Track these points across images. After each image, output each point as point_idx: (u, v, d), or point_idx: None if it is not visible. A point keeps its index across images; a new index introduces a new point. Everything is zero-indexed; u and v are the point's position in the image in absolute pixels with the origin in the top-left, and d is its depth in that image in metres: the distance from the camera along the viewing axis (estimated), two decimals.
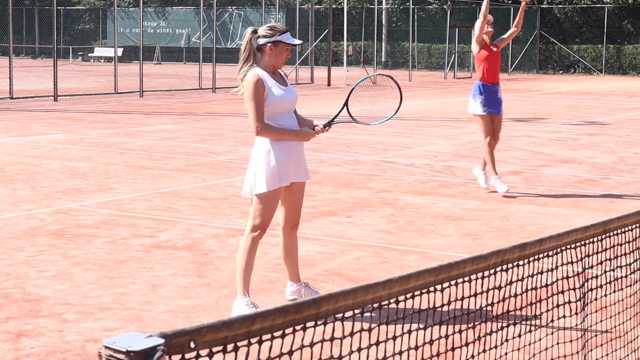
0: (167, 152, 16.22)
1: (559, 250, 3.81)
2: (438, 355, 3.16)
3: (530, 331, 3.80)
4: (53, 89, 28.16)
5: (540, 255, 3.66)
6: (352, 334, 2.74)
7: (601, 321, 4.62)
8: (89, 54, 62.83)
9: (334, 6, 43.70)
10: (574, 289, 4.10)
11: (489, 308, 3.49)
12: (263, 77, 6.67)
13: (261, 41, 6.70)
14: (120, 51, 46.28)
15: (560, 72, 52.17)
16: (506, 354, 3.78)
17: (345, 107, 7.49)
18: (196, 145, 17.23)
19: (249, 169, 6.85)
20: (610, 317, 4.75)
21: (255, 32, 6.74)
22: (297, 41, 6.90)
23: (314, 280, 7.79)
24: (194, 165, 14.60)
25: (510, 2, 51.98)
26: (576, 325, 4.17)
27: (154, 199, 11.67)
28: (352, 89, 7.62)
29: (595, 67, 51.19)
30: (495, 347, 3.54)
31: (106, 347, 2.01)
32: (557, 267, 3.90)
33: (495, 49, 12.63)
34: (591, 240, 4.06)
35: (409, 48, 46.95)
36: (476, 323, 3.47)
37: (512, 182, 13.43)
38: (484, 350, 3.52)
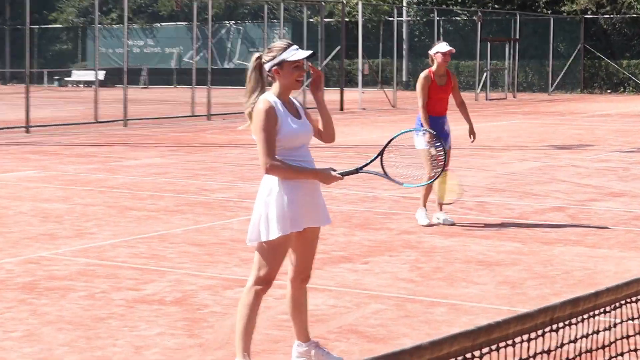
0: (154, 190, 16.09)
1: (617, 305, 3.65)
2: None
3: None
4: (25, 119, 28.05)
5: (596, 312, 3.50)
6: None
7: None
8: (66, 78, 62.99)
9: (346, 19, 43.71)
10: (636, 350, 3.93)
11: None
12: (275, 105, 6.52)
13: (266, 67, 6.57)
14: (101, 74, 46.53)
15: (608, 91, 52.06)
16: None
17: (379, 157, 7.34)
18: (188, 182, 17.09)
19: (255, 212, 6.65)
20: None
21: (259, 58, 6.64)
22: (304, 53, 6.59)
23: (325, 340, 7.59)
24: (185, 205, 14.44)
25: (549, 12, 51.99)
26: None
27: (139, 245, 11.50)
28: (392, 138, 7.40)
29: None
30: None
31: None
32: (615, 325, 3.74)
33: (444, 83, 12.71)
34: None
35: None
36: None
37: (555, 220, 13.29)
38: None
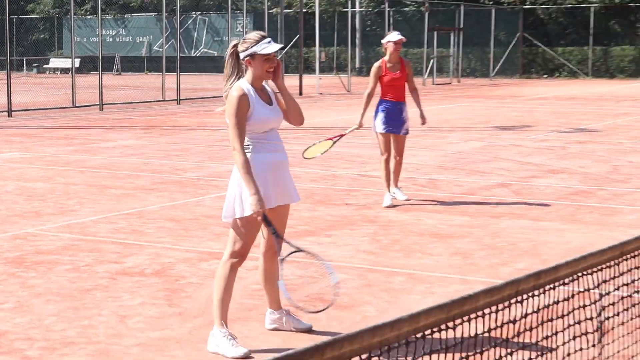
0: (130, 169, 15.99)
1: (575, 277, 3.66)
2: None
3: None
4: (7, 103, 27.81)
5: (557, 284, 3.51)
6: None
7: (618, 352, 4.47)
8: (44, 66, 62.43)
9: (304, 10, 43.57)
10: (592, 318, 3.95)
11: (505, 344, 3.32)
12: (248, 93, 6.49)
13: (240, 56, 6.55)
14: (77, 62, 46.05)
15: (545, 76, 52.32)
16: None
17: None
18: (162, 162, 17.00)
19: (229, 191, 6.65)
20: (629, 346, 4.60)
21: (235, 46, 6.63)
22: (275, 47, 6.51)
23: (294, 307, 7.59)
24: (160, 184, 14.37)
25: (491, 2, 52.11)
26: (594, 358, 4.01)
27: (119, 221, 11.43)
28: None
29: (582, 70, 51.40)
30: None
31: None
32: (573, 296, 3.75)
33: (398, 70, 12.55)
34: (608, 264, 3.92)
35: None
36: None
37: (501, 195, 13.34)
38: None
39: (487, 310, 3.11)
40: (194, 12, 59.89)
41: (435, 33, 47.80)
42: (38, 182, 14.57)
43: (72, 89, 31.24)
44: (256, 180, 6.38)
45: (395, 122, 12.38)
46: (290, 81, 40.39)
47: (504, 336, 3.29)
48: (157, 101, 33.98)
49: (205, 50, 59.77)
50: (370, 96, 12.48)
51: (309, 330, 7.11)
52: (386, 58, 12.58)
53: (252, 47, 6.48)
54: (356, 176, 15.10)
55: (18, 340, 6.84)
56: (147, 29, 61.32)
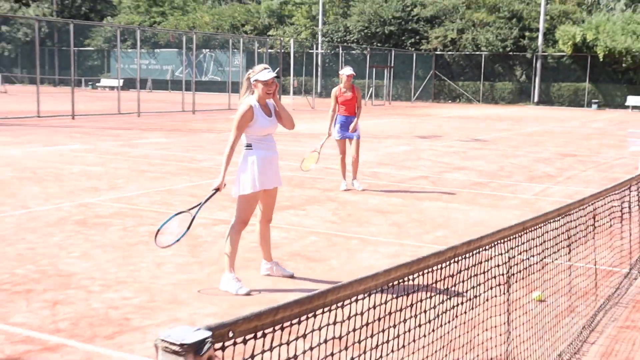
0: (161, 159, 15.79)
1: (492, 244, 3.62)
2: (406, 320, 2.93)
3: (472, 308, 3.59)
4: (71, 109, 27.43)
5: (480, 249, 3.47)
6: (349, 317, 2.51)
7: (520, 298, 4.43)
8: (97, 84, 61.80)
9: (282, 50, 43.35)
10: (502, 274, 3.91)
11: (445, 291, 3.27)
12: (254, 107, 6.46)
13: (251, 80, 6.54)
14: (121, 82, 45.44)
15: (449, 101, 52.41)
16: (457, 324, 3.56)
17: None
18: (183, 154, 16.80)
19: (236, 174, 6.59)
20: (527, 294, 4.56)
21: (249, 74, 6.58)
22: (269, 75, 6.45)
23: (281, 259, 7.51)
24: (183, 170, 14.20)
25: (413, 49, 52.07)
26: (504, 302, 3.98)
27: (154, 196, 11.28)
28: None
29: (475, 98, 51.54)
30: (448, 320, 3.34)
31: (162, 340, 1.75)
32: (491, 258, 3.71)
33: (350, 94, 12.34)
34: (514, 236, 3.89)
35: (338, 82, 46.92)
36: (438, 303, 3.25)
37: (423, 184, 13.30)
38: (444, 320, 3.31)
39: (435, 267, 3.06)
40: (204, 49, 59.36)
41: (374, 69, 47.76)
42: (95, 166, 14.34)
43: (118, 101, 30.86)
44: (255, 168, 6.46)
45: (348, 130, 12.27)
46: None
47: (445, 286, 3.24)
48: (178, 111, 33.62)
49: (212, 76, 59.34)
50: (333, 111, 12.29)
51: (291, 276, 7.02)
52: (341, 85, 12.37)
53: (255, 75, 6.49)
54: (322, 168, 14.99)
55: (84, 279, 6.72)
56: (171, 60, 60.75)
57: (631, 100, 46.50)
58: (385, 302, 2.76)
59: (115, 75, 62.71)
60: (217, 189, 6.54)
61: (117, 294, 6.30)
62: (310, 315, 2.26)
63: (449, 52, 52.24)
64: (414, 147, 20.16)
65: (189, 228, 6.51)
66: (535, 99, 50.04)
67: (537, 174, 15.18)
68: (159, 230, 6.44)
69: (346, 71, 12.37)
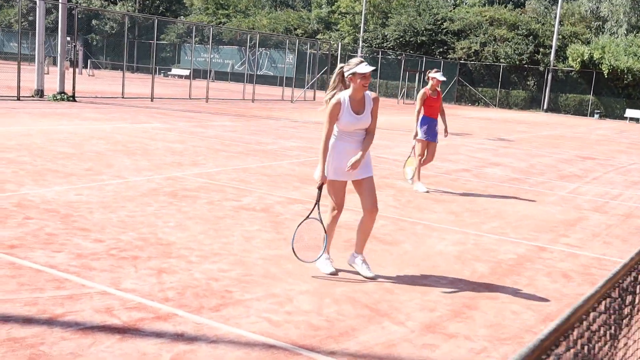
0: (231, 140, 15.21)
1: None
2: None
3: None
4: (150, 93, 26.99)
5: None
6: None
7: None
8: (169, 72, 61.40)
9: (330, 52, 42.47)
10: None
11: None
12: (343, 102, 5.60)
13: (346, 74, 5.67)
14: (188, 71, 44.93)
15: (469, 104, 51.27)
16: None
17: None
18: (250, 137, 16.21)
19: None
20: None
21: (342, 67, 5.75)
22: (368, 68, 5.59)
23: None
24: (252, 151, 13.60)
25: (441, 57, 50.98)
26: None
27: (232, 173, 10.69)
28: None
29: (492, 102, 50.37)
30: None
31: None
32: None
33: (436, 96, 10.76)
34: None
35: (375, 82, 46.02)
36: None
37: (466, 177, 12.59)
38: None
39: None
40: (261, 48, 58.71)
41: (407, 73, 46.79)
42: (176, 143, 13.80)
43: (190, 87, 30.35)
44: (335, 156, 5.70)
45: (432, 133, 10.75)
46: (321, 94, 39.51)
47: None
48: (239, 99, 33.03)
49: (266, 71, 58.63)
50: (419, 113, 10.69)
51: (373, 279, 5.77)
52: (428, 88, 10.74)
53: (353, 68, 5.62)
54: (377, 157, 14.31)
55: (182, 249, 6.14)
56: (232, 55, 60.11)
57: (629, 112, 45.20)
58: None
59: (184, 66, 62.39)
60: (322, 184, 5.73)
61: (214, 266, 5.72)
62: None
63: (472, 62, 51.04)
64: (448, 142, 19.37)
65: (326, 232, 5.81)
66: (545, 107, 48.78)
67: (565, 173, 14.38)
68: (293, 245, 5.77)
69: (438, 76, 10.75)
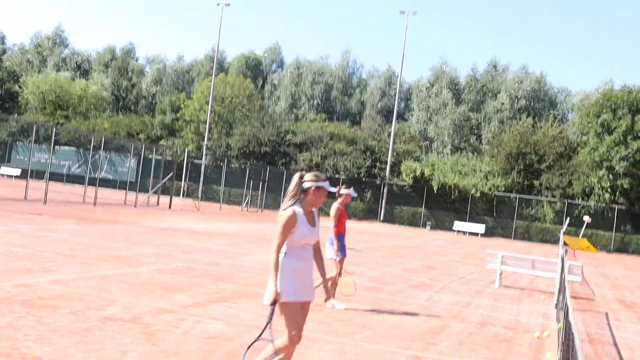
0: (82, 245, 14.35)
1: None
2: None
3: None
4: None
5: None
6: None
7: None
8: None
9: (171, 158, 42.25)
10: None
11: None
12: (298, 214, 5.30)
13: (307, 185, 5.38)
14: (19, 171, 42.47)
15: None
16: None
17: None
18: (101, 242, 15.38)
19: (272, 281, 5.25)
20: None
21: (302, 177, 5.46)
22: (333, 189, 5.52)
23: (240, 352, 6.61)
24: (107, 257, 12.85)
25: (283, 168, 52.18)
26: None
27: (90, 280, 9.98)
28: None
29: None
30: None
31: None
32: None
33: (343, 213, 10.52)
34: None
35: (219, 189, 46.03)
36: None
37: None
38: None
39: None
40: (100, 150, 57.16)
41: (252, 181, 47.34)
42: (20, 247, 12.76)
43: (26, 188, 28.50)
44: (286, 278, 5.24)
45: (344, 248, 10.46)
46: (164, 199, 38.66)
47: None
48: (79, 202, 31.42)
49: (105, 174, 56.79)
50: (335, 228, 10.36)
51: None
52: (339, 202, 10.45)
53: (321, 182, 5.40)
54: (233, 264, 14.06)
55: None
56: (69, 156, 57.84)
57: (457, 225, 48.43)
58: None
59: (14, 165, 59.08)
60: (275, 301, 5.22)
61: None
62: None
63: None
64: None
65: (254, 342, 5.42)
66: (381, 218, 51.05)
67: (415, 282, 14.92)
68: None
69: (351, 192, 10.54)
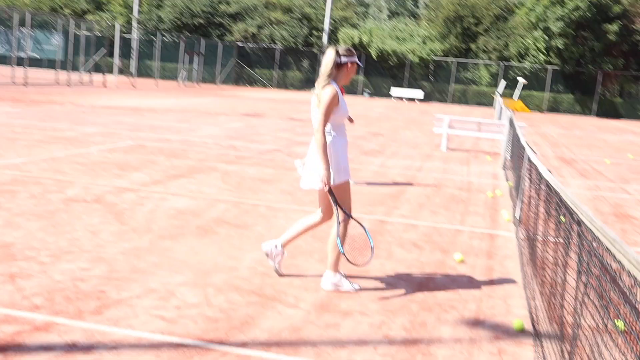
0: (24, 127, 13.84)
1: None
2: None
3: None
4: None
5: None
6: None
7: None
8: None
9: (100, 34, 40.36)
10: None
11: None
12: (338, 92, 4.95)
13: (344, 60, 4.98)
14: None
15: (247, 86, 51.70)
16: None
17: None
18: (43, 124, 14.84)
19: (324, 164, 4.87)
20: None
21: (338, 53, 5.00)
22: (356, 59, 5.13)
23: (209, 226, 6.63)
24: (53, 139, 12.46)
25: (218, 40, 50.72)
26: None
27: (41, 163, 9.70)
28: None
29: (270, 83, 51.28)
30: None
31: None
32: None
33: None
34: None
35: (153, 64, 44.64)
36: None
37: (282, 157, 12.65)
38: None
39: None
40: (23, 27, 54.04)
41: (186, 55, 45.95)
42: None
43: None
44: (339, 156, 4.98)
45: None
46: (98, 77, 37.34)
47: None
48: (9, 84, 30.08)
49: (31, 53, 54.06)
50: None
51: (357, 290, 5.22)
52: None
53: (353, 57, 5.05)
54: (183, 139, 13.87)
55: (26, 250, 5.47)
56: None
57: (394, 91, 48.63)
58: None
59: None
60: (329, 184, 4.89)
61: (72, 265, 5.17)
62: None
63: (249, 44, 51.53)
64: (246, 123, 19.40)
65: (368, 235, 5.11)
66: None
67: (366, 149, 15.09)
68: (343, 250, 4.98)
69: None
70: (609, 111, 46.23)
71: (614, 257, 2.72)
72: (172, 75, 50.07)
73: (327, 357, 3.86)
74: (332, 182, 4.94)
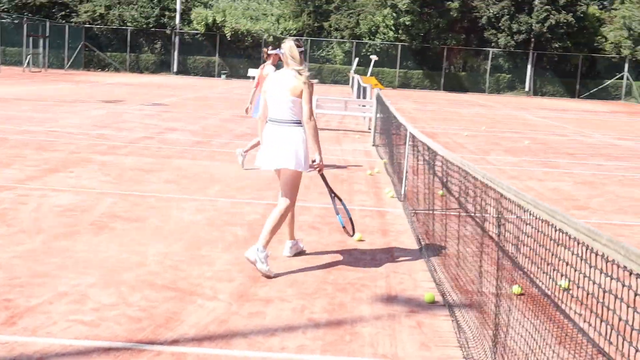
0: None
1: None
2: None
3: None
4: None
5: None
6: None
7: None
8: None
9: None
10: None
11: None
12: None
13: (299, 51, 5.30)
14: None
15: (99, 70, 49.51)
16: None
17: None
18: None
19: (297, 150, 5.26)
20: None
21: (298, 44, 5.35)
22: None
23: (102, 221, 6.41)
24: None
25: (64, 22, 48.16)
26: None
27: None
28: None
29: (122, 67, 49.31)
30: None
31: None
32: None
33: None
34: None
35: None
36: None
37: (155, 144, 12.35)
38: None
39: None
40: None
41: (31, 38, 43.22)
42: None
43: None
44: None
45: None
46: None
47: None
48: None
49: None
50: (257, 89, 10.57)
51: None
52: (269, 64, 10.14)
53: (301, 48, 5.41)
54: (45, 131, 13.13)
55: None
56: None
57: (251, 72, 48.40)
58: None
59: None
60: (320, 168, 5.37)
61: None
62: None
63: (98, 26, 49.29)
64: (109, 110, 18.65)
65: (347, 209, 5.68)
66: (175, 70, 49.62)
67: (238, 132, 15.06)
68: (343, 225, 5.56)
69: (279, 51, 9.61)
70: (455, 85, 48.86)
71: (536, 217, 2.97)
72: (15, 61, 46.95)
73: (260, 346, 3.91)
74: (304, 168, 5.30)
